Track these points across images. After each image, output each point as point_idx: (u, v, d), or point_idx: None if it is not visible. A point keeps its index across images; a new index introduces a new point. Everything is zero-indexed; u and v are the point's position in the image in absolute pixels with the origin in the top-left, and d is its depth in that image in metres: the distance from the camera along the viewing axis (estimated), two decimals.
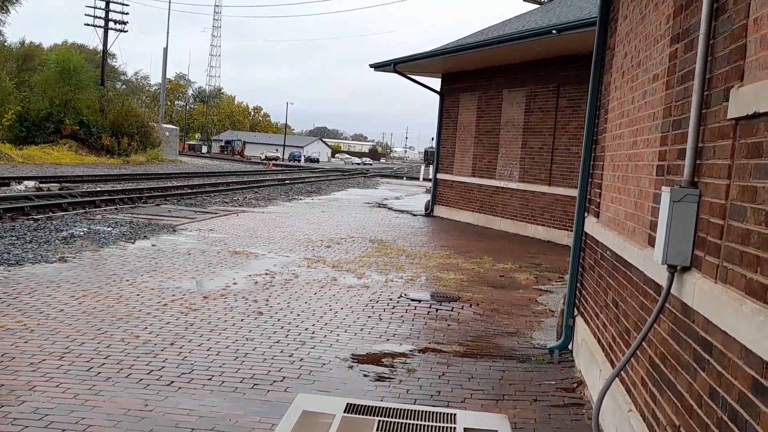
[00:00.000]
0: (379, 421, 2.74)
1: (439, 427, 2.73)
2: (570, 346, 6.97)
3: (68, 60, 50.44)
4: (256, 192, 28.13)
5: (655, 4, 4.64)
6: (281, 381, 5.61)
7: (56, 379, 5.24)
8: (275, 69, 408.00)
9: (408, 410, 2.89)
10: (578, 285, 7.04)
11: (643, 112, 4.71)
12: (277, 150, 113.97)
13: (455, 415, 2.87)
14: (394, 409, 2.89)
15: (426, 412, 2.88)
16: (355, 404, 2.92)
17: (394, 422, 2.75)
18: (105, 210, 17.61)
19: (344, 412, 2.82)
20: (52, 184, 22.84)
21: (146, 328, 6.82)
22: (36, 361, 5.61)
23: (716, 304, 2.73)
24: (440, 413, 2.87)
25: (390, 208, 24.25)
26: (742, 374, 2.43)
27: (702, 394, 2.87)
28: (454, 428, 2.72)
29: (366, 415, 2.81)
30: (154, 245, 11.98)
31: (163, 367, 5.72)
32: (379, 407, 2.89)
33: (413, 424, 2.74)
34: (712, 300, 2.80)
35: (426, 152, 68.05)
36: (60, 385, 5.12)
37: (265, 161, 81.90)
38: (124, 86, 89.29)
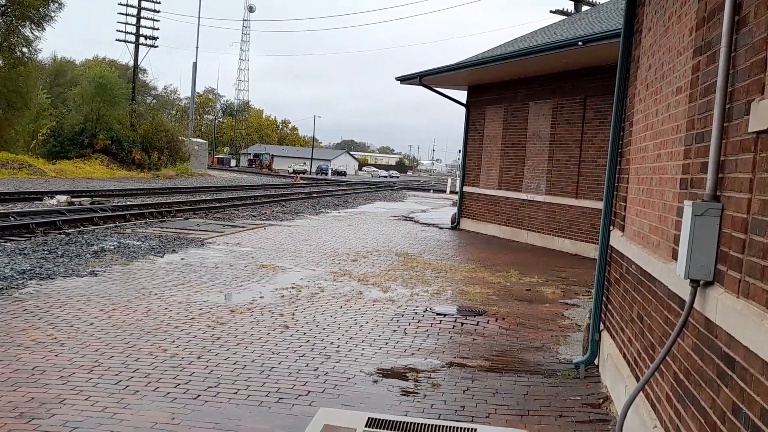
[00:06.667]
0: None
1: None
2: (596, 361, 6.91)
3: (105, 76, 51.54)
4: (283, 205, 28.31)
5: (679, 16, 4.63)
6: (306, 395, 5.64)
7: (85, 392, 5.32)
8: (304, 84, 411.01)
9: (428, 425, 2.91)
10: (604, 299, 6.98)
11: (667, 124, 4.69)
12: (304, 163, 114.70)
13: (476, 430, 2.88)
14: (414, 423, 2.91)
15: (446, 426, 2.89)
16: (376, 418, 2.94)
17: None
18: (135, 224, 17.86)
19: (365, 426, 2.85)
20: (83, 199, 23.23)
21: (174, 341, 6.90)
22: (66, 374, 5.71)
23: (738, 319, 2.71)
24: (461, 428, 2.88)
25: (416, 221, 24.26)
26: (764, 390, 2.40)
27: (725, 411, 2.84)
28: None
29: (386, 429, 2.83)
30: (182, 259, 12.12)
31: (190, 380, 5.78)
32: (400, 422, 2.91)
33: None
34: (734, 315, 2.78)
35: None
36: (89, 398, 5.20)
37: (292, 174, 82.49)
38: (154, 101, 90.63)
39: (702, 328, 3.29)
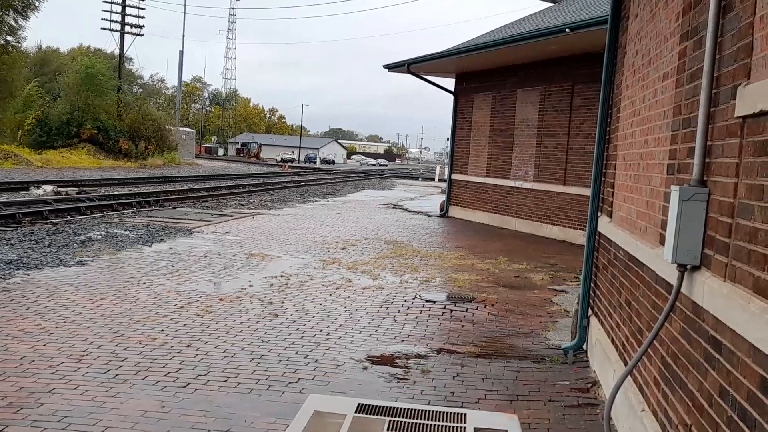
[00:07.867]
0: (390, 420, 2.77)
1: (450, 426, 2.75)
2: (584, 347, 6.96)
3: (94, 66, 51.17)
4: (271, 194, 28.25)
5: (665, 2, 4.64)
6: (296, 382, 5.65)
7: (74, 382, 5.31)
8: (291, 72, 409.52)
9: (418, 410, 2.91)
10: (592, 285, 7.03)
11: (654, 110, 4.70)
12: (292, 152, 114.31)
13: (465, 414, 2.89)
14: (404, 409, 2.91)
15: (436, 411, 2.90)
16: (366, 404, 2.94)
17: (405, 422, 2.77)
18: (122, 213, 17.77)
19: (355, 412, 2.85)
20: (70, 188, 23.07)
21: (163, 330, 6.89)
22: (55, 363, 5.69)
23: (725, 303, 2.73)
24: (450, 413, 2.89)
25: (405, 209, 24.27)
26: (751, 373, 2.43)
27: (712, 393, 2.87)
28: (464, 428, 2.74)
29: (377, 415, 2.84)
30: (170, 248, 12.08)
31: (179, 369, 5.78)
32: (390, 407, 2.92)
33: (424, 424, 2.76)
34: (721, 299, 2.80)
35: None
36: (78, 388, 5.19)
37: (281, 163, 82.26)
38: (140, 90, 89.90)
39: (689, 312, 3.31)
